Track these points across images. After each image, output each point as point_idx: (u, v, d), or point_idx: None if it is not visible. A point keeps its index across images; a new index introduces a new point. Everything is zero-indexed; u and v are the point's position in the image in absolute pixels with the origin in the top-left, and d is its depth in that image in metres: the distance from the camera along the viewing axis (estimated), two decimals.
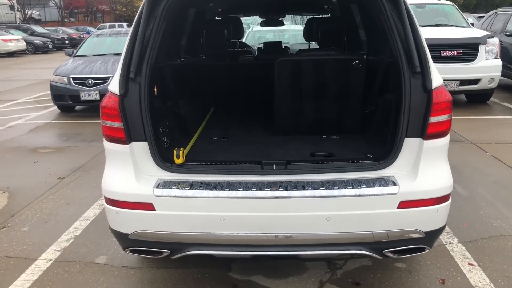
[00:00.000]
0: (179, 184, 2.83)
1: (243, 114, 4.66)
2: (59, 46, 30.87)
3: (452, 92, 9.09)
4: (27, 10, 47.67)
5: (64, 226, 4.45)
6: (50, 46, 30.04)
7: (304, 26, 5.58)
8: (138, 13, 3.05)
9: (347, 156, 3.18)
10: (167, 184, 2.84)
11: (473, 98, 9.84)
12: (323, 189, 2.75)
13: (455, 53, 9.03)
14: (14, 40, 27.08)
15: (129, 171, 2.91)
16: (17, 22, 40.45)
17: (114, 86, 2.92)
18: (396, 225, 2.81)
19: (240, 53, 5.64)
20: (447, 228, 4.09)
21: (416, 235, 2.87)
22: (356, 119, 3.81)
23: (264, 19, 7.06)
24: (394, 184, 2.80)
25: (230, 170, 2.95)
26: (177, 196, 2.78)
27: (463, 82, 9.00)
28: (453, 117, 2.96)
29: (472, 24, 11.78)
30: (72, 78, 9.51)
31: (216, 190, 2.77)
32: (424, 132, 2.83)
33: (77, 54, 10.81)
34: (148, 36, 2.97)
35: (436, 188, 2.85)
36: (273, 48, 6.40)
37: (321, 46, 4.65)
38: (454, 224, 4.23)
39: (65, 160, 6.68)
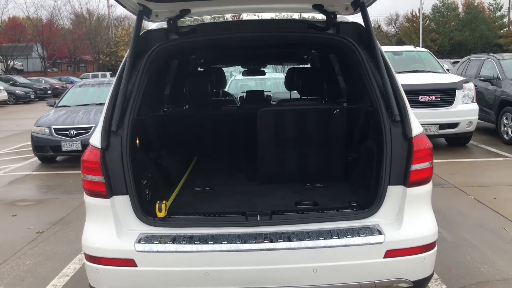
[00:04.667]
0: (161, 239, 2.77)
1: (227, 163, 4.65)
2: (41, 96, 30.85)
3: (432, 136, 9.28)
4: (9, 61, 47.85)
5: (42, 283, 4.27)
6: (32, 96, 29.99)
7: (285, 75, 5.69)
8: (120, 67, 3.07)
9: (332, 205, 3.17)
10: (149, 239, 2.78)
11: (453, 141, 10.03)
12: (309, 240, 2.71)
13: (433, 98, 9.27)
14: None
15: (110, 226, 2.84)
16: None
17: (95, 139, 2.90)
18: (383, 275, 2.77)
19: (223, 103, 5.70)
20: (434, 275, 4.04)
21: (404, 285, 2.83)
22: (340, 167, 3.83)
23: (246, 69, 7.18)
24: (380, 233, 2.78)
25: (213, 222, 2.91)
26: (159, 251, 2.71)
27: (442, 126, 9.21)
28: (434, 161, 2.99)
29: (448, 70, 12.17)
30: (54, 128, 9.43)
31: (199, 244, 2.71)
32: (407, 179, 2.85)
33: (59, 105, 10.78)
34: (131, 89, 2.98)
35: (422, 236, 2.83)
36: (255, 97, 6.48)
37: (302, 95, 4.72)
38: (441, 270, 4.18)
39: (45, 213, 6.51)
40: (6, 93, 27.83)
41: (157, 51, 3.06)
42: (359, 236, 2.74)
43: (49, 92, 32.38)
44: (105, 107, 2.95)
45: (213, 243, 2.71)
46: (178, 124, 4.62)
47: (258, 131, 3.77)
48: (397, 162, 2.86)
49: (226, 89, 10.38)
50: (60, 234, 5.57)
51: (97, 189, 2.87)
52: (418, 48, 12.53)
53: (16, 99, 28.86)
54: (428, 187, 2.94)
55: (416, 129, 2.89)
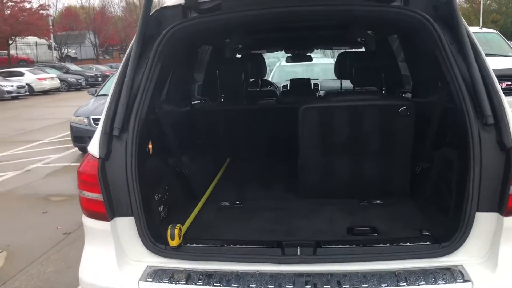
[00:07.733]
0: (172, 276, 2.15)
1: (263, 170, 3.94)
2: (92, 83, 31.21)
3: None
4: (63, 49, 49.12)
5: None
6: (84, 84, 30.56)
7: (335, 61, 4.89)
8: (126, 55, 2.46)
9: (397, 234, 2.44)
10: (157, 275, 2.18)
11: None
12: (367, 287, 2.01)
13: (503, 85, 8.15)
14: (49, 79, 27.75)
15: (110, 256, 2.28)
16: (54, 61, 41.58)
17: (93, 147, 2.32)
18: None
19: (261, 94, 4.96)
20: None
21: None
22: (404, 180, 3.05)
23: (290, 55, 6.42)
24: (464, 278, 2.03)
25: (240, 255, 2.26)
26: None
27: None
28: None
29: None
30: (93, 118, 9.11)
31: (219, 285, 2.08)
32: (504, 205, 2.09)
33: (99, 94, 10.49)
34: (139, 82, 2.36)
35: None
36: (300, 86, 5.71)
37: (355, 85, 3.94)
38: None
39: (76, 210, 6.04)
40: (58, 81, 28.59)
41: (172, 34, 2.42)
42: (436, 283, 2.01)
43: (99, 79, 32.80)
44: (106, 104, 2.35)
45: (238, 286, 2.06)
46: (206, 122, 3.96)
47: (299, 133, 3.06)
48: (489, 180, 2.10)
49: (270, 78, 9.64)
50: None
51: (95, 209, 2.32)
52: (484, 29, 11.28)
53: (68, 87, 29.57)
54: None
55: None
